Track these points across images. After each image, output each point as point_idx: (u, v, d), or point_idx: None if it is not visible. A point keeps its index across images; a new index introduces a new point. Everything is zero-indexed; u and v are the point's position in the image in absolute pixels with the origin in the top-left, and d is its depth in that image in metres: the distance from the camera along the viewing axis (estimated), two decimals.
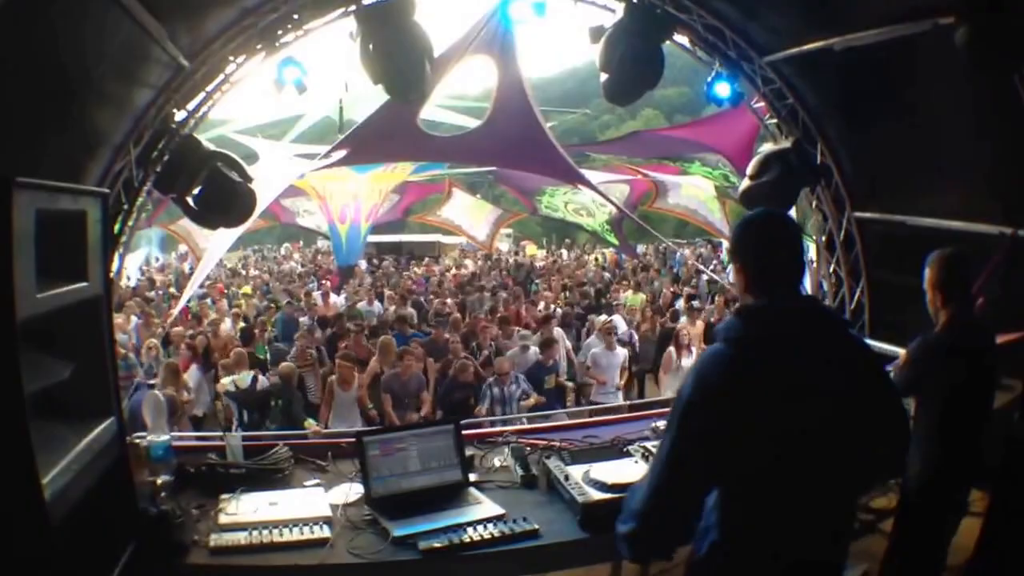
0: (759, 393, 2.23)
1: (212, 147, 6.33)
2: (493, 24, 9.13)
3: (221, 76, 6.31)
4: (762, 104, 7.78)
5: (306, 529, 3.13)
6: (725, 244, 24.58)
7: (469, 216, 26.62)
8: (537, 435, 4.59)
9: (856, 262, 7.64)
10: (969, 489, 4.04)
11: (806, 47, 6.41)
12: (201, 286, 16.83)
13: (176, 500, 3.25)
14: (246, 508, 3.32)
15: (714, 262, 26.86)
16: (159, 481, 3.28)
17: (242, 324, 13.59)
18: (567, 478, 3.48)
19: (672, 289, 18.62)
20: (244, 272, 26.23)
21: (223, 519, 3.21)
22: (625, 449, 3.97)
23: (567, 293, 17.68)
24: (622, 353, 10.66)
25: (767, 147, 7.56)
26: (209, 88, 6.33)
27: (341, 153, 12.41)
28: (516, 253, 33.10)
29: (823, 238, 7.98)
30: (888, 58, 5.89)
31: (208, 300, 16.93)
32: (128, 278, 20.37)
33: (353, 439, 3.73)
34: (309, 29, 6.42)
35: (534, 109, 10.57)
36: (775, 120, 7.50)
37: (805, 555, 2.32)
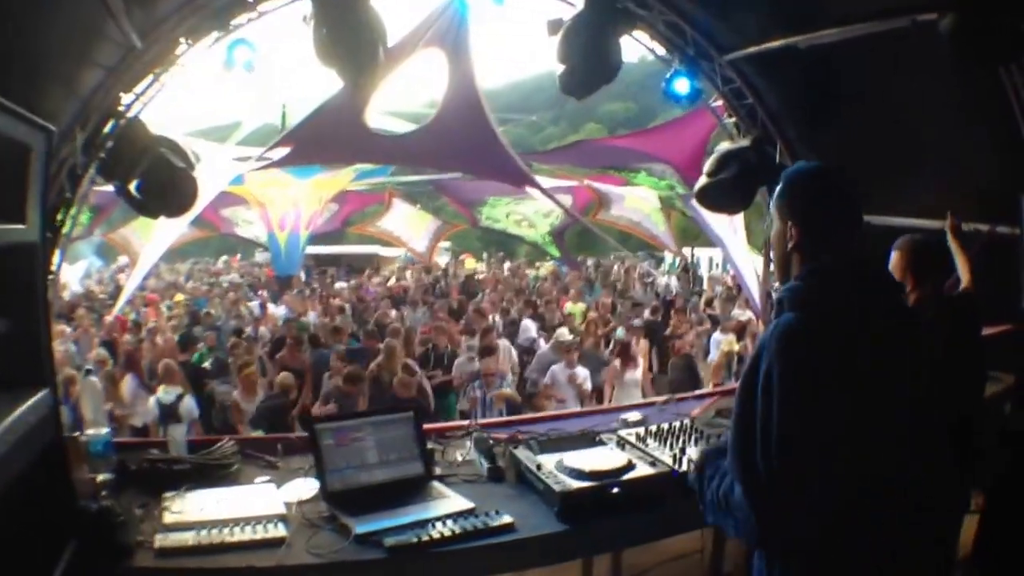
0: (843, 362, 2.01)
1: (156, 132, 5.96)
2: (448, 15, 8.78)
3: (171, 58, 6.01)
4: (719, 103, 7.64)
5: (259, 528, 2.78)
6: (668, 256, 24.67)
7: (409, 227, 26.04)
8: (497, 429, 4.29)
9: None
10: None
11: (768, 45, 6.30)
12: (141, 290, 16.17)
13: (117, 498, 2.89)
14: (192, 506, 2.95)
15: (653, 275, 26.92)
16: (99, 478, 2.93)
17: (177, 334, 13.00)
18: (539, 467, 3.19)
19: (612, 299, 18.37)
20: (185, 283, 25.19)
21: (168, 518, 2.84)
22: (597, 438, 3.69)
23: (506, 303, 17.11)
24: (583, 372, 10.29)
25: (724, 145, 7.41)
26: (158, 71, 6.01)
27: (285, 151, 11.91)
28: (453, 267, 32.48)
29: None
30: (853, 57, 5.80)
31: (143, 308, 16.34)
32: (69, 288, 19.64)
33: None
34: (263, 11, 6.13)
35: (484, 108, 10.22)
36: (733, 119, 7.39)
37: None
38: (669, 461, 3.24)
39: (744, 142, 7.00)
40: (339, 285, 22.72)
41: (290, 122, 17.87)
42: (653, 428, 3.75)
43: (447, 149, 11.11)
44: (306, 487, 3.17)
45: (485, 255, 40.64)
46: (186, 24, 5.90)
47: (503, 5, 6.74)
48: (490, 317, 14.14)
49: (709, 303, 16.47)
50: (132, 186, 5.82)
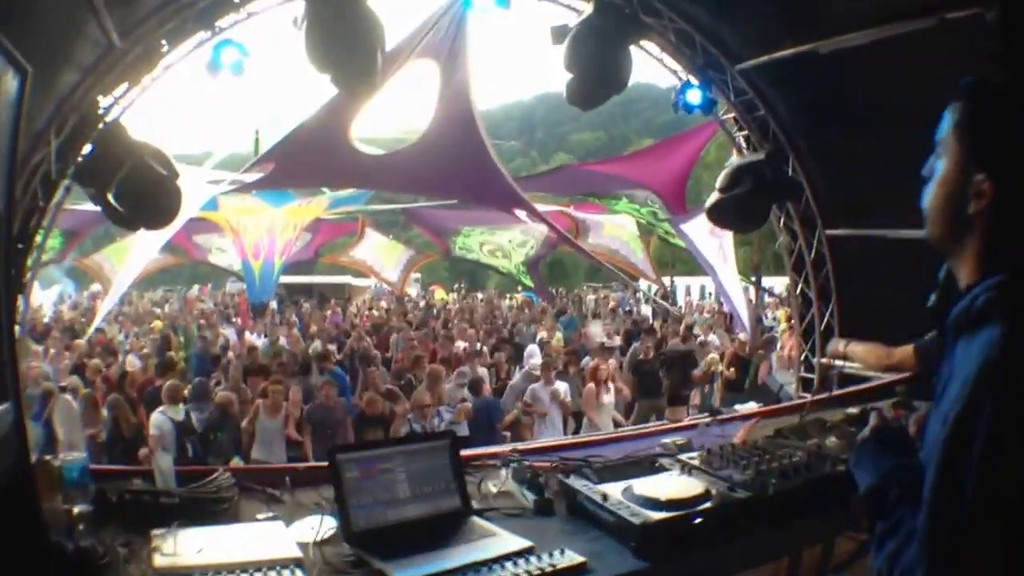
0: None
1: (137, 138, 5.46)
2: (445, 21, 8.22)
3: (153, 59, 5.62)
4: (730, 115, 7.27)
5: (272, 574, 2.21)
6: (644, 283, 24.37)
7: (381, 257, 25.50)
8: (531, 456, 3.76)
9: (826, 282, 7.16)
10: None
11: (782, 53, 5.96)
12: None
13: (97, 536, 2.34)
14: (187, 547, 2.36)
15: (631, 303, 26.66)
16: (75, 511, 2.36)
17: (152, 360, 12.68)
18: (606, 498, 2.68)
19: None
20: (159, 311, 25.02)
21: (160, 561, 2.26)
22: (656, 464, 3.18)
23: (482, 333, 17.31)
24: (563, 386, 10.12)
25: (736, 159, 7.04)
26: (140, 73, 5.66)
27: (263, 173, 11.32)
28: (424, 297, 32.46)
29: (791, 258, 7.47)
30: (869, 65, 5.46)
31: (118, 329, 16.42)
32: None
33: (325, 461, 2.83)
34: (252, 12, 5.70)
35: (478, 125, 9.57)
36: (743, 133, 7.02)
37: None
38: (746, 486, 2.75)
39: (758, 155, 6.65)
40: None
41: (263, 148, 17.56)
42: (715, 450, 3.27)
43: (435, 170, 10.47)
44: (324, 524, 2.60)
45: (456, 285, 40.60)
46: (169, 24, 5.46)
47: (508, 7, 6.28)
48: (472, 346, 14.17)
49: (690, 329, 16.18)
50: (110, 195, 5.31)
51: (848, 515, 2.75)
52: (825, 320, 7.09)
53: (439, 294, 35.45)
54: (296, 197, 18.23)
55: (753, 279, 14.05)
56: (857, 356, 3.70)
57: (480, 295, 33.18)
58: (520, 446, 4.24)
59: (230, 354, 13.16)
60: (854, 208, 6.66)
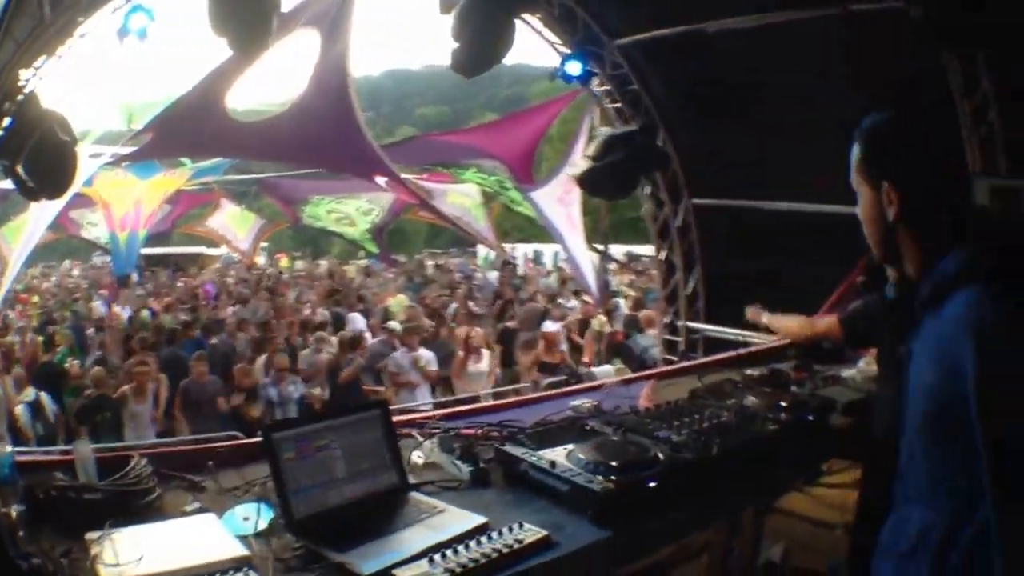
0: None
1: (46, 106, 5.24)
2: None
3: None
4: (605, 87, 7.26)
5: None
6: (484, 251, 24.40)
7: (234, 227, 25.19)
8: (439, 424, 3.52)
9: (691, 249, 7.29)
10: None
11: (659, 32, 6.01)
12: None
13: (37, 544, 1.95)
14: (128, 552, 1.98)
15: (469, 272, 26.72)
16: (13, 513, 1.96)
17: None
18: (554, 465, 2.51)
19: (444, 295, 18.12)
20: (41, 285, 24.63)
21: (105, 572, 1.89)
22: (588, 427, 3.03)
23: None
24: (426, 354, 9.91)
25: (606, 129, 7.04)
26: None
27: (147, 139, 10.58)
28: (271, 265, 32.22)
29: (655, 226, 7.57)
30: (752, 47, 5.57)
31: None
32: None
33: (256, 439, 2.50)
34: None
35: (352, 95, 9.23)
36: (616, 105, 7.02)
37: None
38: (689, 447, 2.66)
39: (631, 127, 6.67)
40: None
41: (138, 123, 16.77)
42: (641, 411, 3.18)
43: (305, 139, 10.06)
44: (260, 513, 2.29)
45: (302, 253, 40.16)
46: None
47: None
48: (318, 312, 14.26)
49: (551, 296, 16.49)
50: (19, 167, 5.09)
51: (783, 472, 2.75)
52: (692, 286, 7.24)
53: (284, 262, 35.00)
54: (162, 168, 17.75)
55: (600, 247, 14.29)
56: (778, 326, 3.77)
57: (323, 262, 32.76)
58: (431, 413, 3.99)
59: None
60: (720, 179, 6.82)
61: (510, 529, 2.17)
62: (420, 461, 2.90)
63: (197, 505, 2.42)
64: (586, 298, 14.38)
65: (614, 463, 2.44)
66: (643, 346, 9.76)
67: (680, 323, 7.56)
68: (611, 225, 20.56)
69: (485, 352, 10.09)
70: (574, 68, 6.78)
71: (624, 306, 14.73)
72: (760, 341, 4.62)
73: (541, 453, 2.62)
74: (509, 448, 2.71)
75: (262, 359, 9.41)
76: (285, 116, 10.01)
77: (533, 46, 5.89)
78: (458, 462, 2.78)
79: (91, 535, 2.04)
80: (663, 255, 7.59)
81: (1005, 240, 1.68)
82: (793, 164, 5.96)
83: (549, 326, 10.99)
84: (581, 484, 2.35)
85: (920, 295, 1.72)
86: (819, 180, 5.81)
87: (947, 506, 1.65)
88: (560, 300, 15.24)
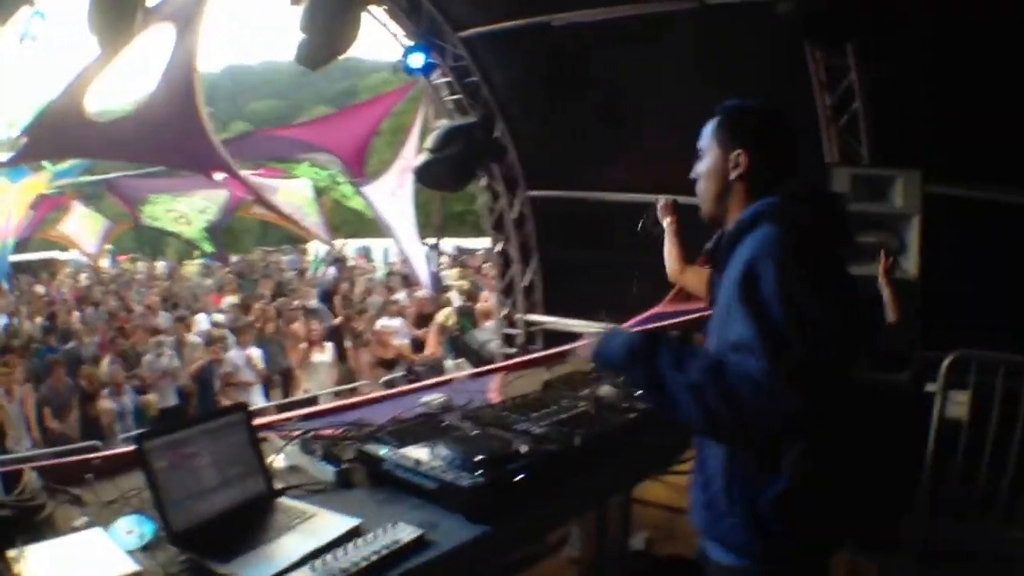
0: (826, 281, 1.95)
1: None
2: None
3: None
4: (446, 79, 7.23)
5: None
6: (318, 247, 23.84)
7: (85, 229, 23.84)
8: (288, 426, 3.38)
9: (527, 240, 7.40)
10: None
11: (502, 25, 6.04)
12: None
13: None
14: (40, 571, 1.88)
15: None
16: None
17: None
18: (419, 463, 2.49)
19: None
20: None
21: None
22: (444, 423, 3.01)
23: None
24: (257, 352, 9.74)
25: (445, 122, 7.01)
26: None
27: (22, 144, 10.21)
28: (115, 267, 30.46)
29: (492, 218, 7.63)
30: (599, 41, 5.70)
31: None
32: None
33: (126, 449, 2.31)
34: None
35: (196, 91, 8.81)
36: (454, 97, 7.01)
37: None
38: (551, 439, 2.70)
39: (470, 119, 6.68)
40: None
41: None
42: (507, 402, 3.20)
43: (152, 136, 9.62)
44: (140, 528, 2.14)
45: (135, 255, 38.59)
46: None
47: None
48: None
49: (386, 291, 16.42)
50: None
51: (645, 460, 2.84)
52: (529, 278, 7.35)
53: (125, 263, 33.27)
54: (29, 172, 16.41)
55: (432, 241, 14.35)
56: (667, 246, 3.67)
57: (162, 263, 31.38)
58: (282, 416, 3.83)
59: None
60: (558, 171, 6.95)
61: (385, 530, 2.14)
62: (282, 465, 2.80)
63: (85, 519, 2.26)
64: (419, 293, 14.34)
65: (479, 458, 2.44)
66: (481, 340, 9.83)
67: (518, 315, 7.68)
68: (450, 218, 20.69)
69: (328, 343, 10.21)
70: (416, 60, 6.70)
71: (457, 300, 14.83)
72: (602, 330, 4.66)
73: (404, 451, 2.58)
74: (371, 448, 2.66)
75: (107, 361, 9.39)
76: (134, 114, 9.66)
77: (366, 40, 5.79)
78: (321, 464, 2.70)
79: (12, 552, 1.92)
80: (499, 247, 7.65)
81: (794, 194, 2.04)
82: (636, 156, 6.15)
83: (386, 322, 10.91)
84: (450, 481, 2.34)
85: (728, 234, 2.08)
86: (662, 171, 6.04)
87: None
88: (395, 296, 15.09)
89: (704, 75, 5.49)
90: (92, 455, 2.77)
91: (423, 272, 14.35)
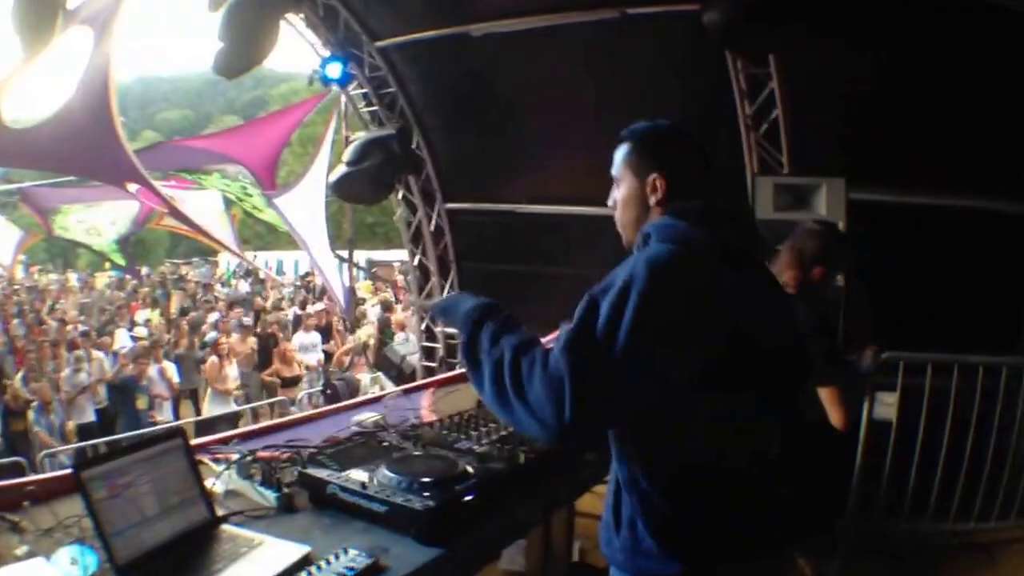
0: (719, 301, 1.81)
1: None
2: None
3: None
4: (362, 90, 7.14)
5: None
6: (230, 259, 23.26)
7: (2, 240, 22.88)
8: (222, 448, 3.26)
9: (445, 253, 7.36)
10: None
11: (421, 35, 5.99)
12: None
13: None
14: None
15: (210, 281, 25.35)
16: None
17: None
18: (365, 486, 2.43)
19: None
20: None
21: None
22: (384, 443, 2.95)
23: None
24: (171, 366, 9.60)
25: (362, 134, 6.94)
26: None
27: None
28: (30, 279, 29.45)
29: (409, 230, 7.56)
30: (518, 52, 5.71)
31: None
32: None
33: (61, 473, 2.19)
34: None
35: (111, 98, 8.61)
36: (371, 108, 6.93)
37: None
38: (495, 458, 2.69)
39: (388, 130, 6.62)
40: None
41: None
42: (444, 422, 3.16)
43: (67, 144, 9.33)
44: (84, 559, 2.03)
45: (52, 265, 36.99)
46: None
47: None
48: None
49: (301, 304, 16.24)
50: None
51: (586, 472, 2.85)
52: (446, 290, 7.29)
53: (41, 277, 32.09)
54: None
55: (343, 253, 14.21)
56: None
57: (74, 275, 30.13)
58: (215, 437, 3.69)
59: None
60: (474, 184, 6.93)
61: (337, 556, 2.09)
62: (220, 489, 2.70)
63: (26, 549, 2.13)
64: (324, 304, 14.25)
65: (426, 480, 2.41)
66: (401, 354, 9.71)
67: (438, 329, 7.62)
68: (364, 229, 20.52)
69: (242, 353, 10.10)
70: (334, 70, 6.59)
71: (374, 314, 14.70)
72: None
73: (347, 474, 2.52)
74: (312, 471, 2.58)
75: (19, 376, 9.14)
76: (50, 120, 9.39)
77: (276, 49, 5.68)
78: (261, 488, 2.62)
79: None
80: (417, 260, 7.59)
81: (686, 208, 1.95)
82: (552, 168, 6.17)
83: (302, 336, 10.75)
84: (400, 504, 2.29)
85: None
86: (580, 184, 6.08)
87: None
88: (309, 308, 14.87)
89: (622, 85, 5.55)
90: (26, 479, 2.61)
91: (336, 286, 14.16)
